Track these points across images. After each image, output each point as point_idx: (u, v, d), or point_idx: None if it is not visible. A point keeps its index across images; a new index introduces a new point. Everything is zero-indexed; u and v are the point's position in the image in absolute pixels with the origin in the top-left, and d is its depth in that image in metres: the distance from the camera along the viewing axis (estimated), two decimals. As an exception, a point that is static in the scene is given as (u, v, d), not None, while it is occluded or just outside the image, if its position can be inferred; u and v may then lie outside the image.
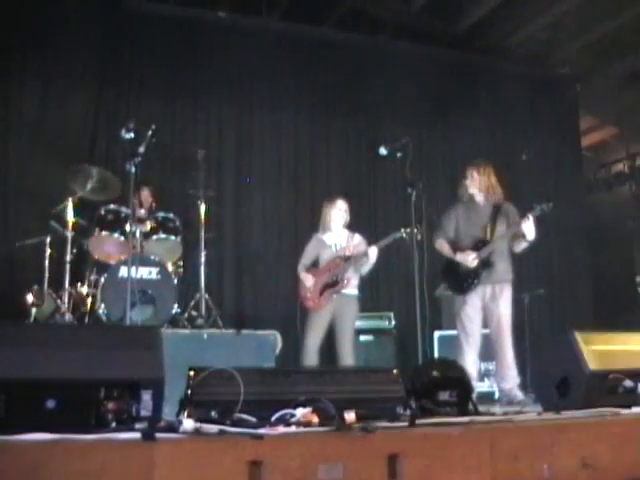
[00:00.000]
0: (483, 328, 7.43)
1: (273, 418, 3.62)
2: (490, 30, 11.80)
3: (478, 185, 7.52)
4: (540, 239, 9.08)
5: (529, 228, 7.11)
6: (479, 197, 7.54)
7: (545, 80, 12.55)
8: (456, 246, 7.55)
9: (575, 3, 10.78)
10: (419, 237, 7.35)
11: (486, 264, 7.31)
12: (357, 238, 7.96)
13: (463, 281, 7.43)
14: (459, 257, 7.45)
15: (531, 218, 7.07)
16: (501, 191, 7.54)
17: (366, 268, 7.79)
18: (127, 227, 7.81)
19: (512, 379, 7.14)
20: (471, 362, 7.23)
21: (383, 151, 7.68)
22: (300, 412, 3.64)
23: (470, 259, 7.35)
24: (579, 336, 4.92)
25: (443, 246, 7.61)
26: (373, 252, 7.65)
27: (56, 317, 7.64)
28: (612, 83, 12.98)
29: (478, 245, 7.37)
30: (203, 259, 8.51)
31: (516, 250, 7.39)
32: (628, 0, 10.74)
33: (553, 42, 12.04)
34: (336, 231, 7.94)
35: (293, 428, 3.50)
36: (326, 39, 11.32)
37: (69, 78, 9.61)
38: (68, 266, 7.95)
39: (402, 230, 7.53)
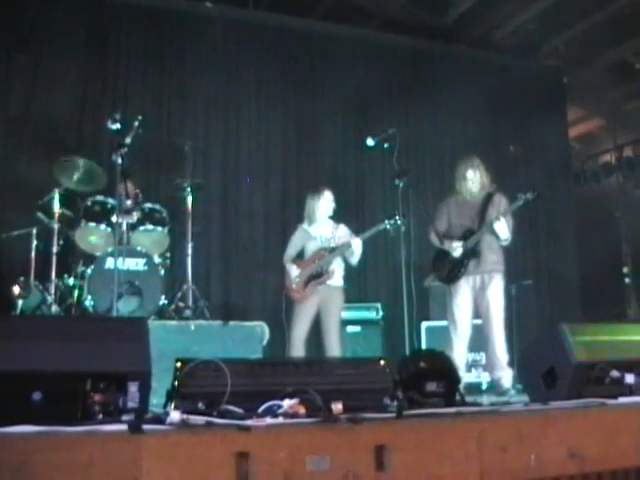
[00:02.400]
0: (474, 319, 7.46)
1: (260, 409, 3.61)
2: (477, 22, 11.82)
3: (472, 181, 7.54)
4: (527, 230, 9.08)
5: (501, 228, 7.19)
6: (472, 190, 7.55)
7: (532, 72, 12.56)
8: (448, 237, 7.58)
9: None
10: (403, 228, 7.38)
11: (473, 253, 7.35)
12: (342, 229, 7.96)
13: (450, 271, 7.50)
14: (446, 245, 7.51)
15: (502, 219, 7.17)
16: (492, 183, 7.59)
17: (355, 259, 7.80)
18: (114, 218, 7.80)
19: (500, 369, 7.17)
20: (459, 353, 7.28)
21: (370, 142, 7.71)
22: (287, 403, 3.63)
23: (454, 246, 7.40)
24: (566, 327, 4.93)
25: (434, 237, 7.67)
26: (357, 244, 7.66)
27: (42, 309, 7.63)
28: (599, 75, 13.01)
29: (466, 235, 7.42)
30: (190, 250, 8.51)
31: (502, 243, 7.43)
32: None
33: (540, 34, 12.06)
34: (321, 222, 7.93)
35: (280, 419, 3.50)
36: (313, 31, 11.31)
37: (55, 69, 9.56)
38: (54, 257, 7.96)
39: (386, 221, 7.56)
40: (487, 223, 7.32)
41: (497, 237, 7.37)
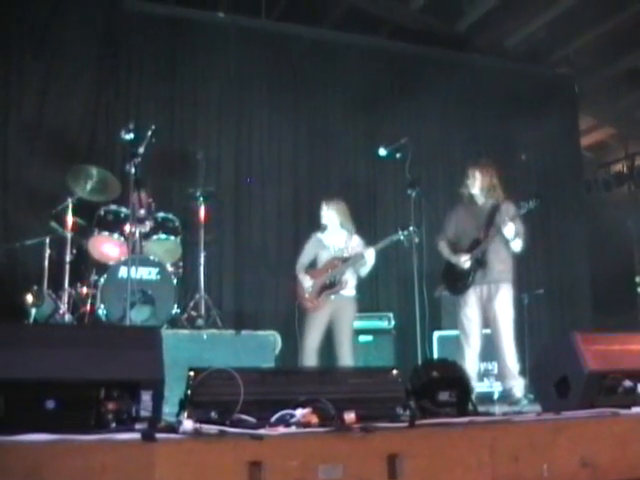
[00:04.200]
0: (485, 328, 7.46)
1: (273, 419, 3.62)
2: (489, 30, 11.82)
3: (480, 185, 7.55)
4: (539, 239, 9.03)
5: (509, 232, 7.18)
6: (480, 197, 7.57)
7: (544, 80, 12.54)
8: (455, 247, 7.59)
9: (573, 3, 10.80)
10: (417, 240, 7.39)
11: (479, 264, 7.35)
12: (356, 239, 7.96)
13: (458, 281, 7.50)
14: (454, 259, 7.52)
15: (509, 223, 7.15)
16: (502, 192, 7.57)
17: (365, 270, 7.81)
18: (127, 228, 7.83)
19: (512, 378, 7.16)
20: (471, 362, 7.28)
21: (382, 152, 7.73)
22: (300, 412, 3.63)
23: (462, 260, 7.42)
24: (578, 336, 4.92)
25: (443, 248, 7.67)
26: (370, 254, 7.68)
27: (56, 317, 7.64)
28: (610, 83, 13.00)
29: (473, 245, 7.42)
30: (202, 259, 8.52)
31: (513, 250, 7.42)
32: (627, 0, 10.78)
33: (551, 42, 12.06)
34: (334, 232, 7.94)
35: (293, 428, 3.50)
36: (324, 39, 11.33)
37: (68, 78, 9.57)
38: (68, 266, 7.97)
39: (400, 232, 7.57)
40: (495, 229, 7.32)
41: (506, 245, 7.36)
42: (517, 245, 7.38)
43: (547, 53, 12.44)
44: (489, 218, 7.45)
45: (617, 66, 12.72)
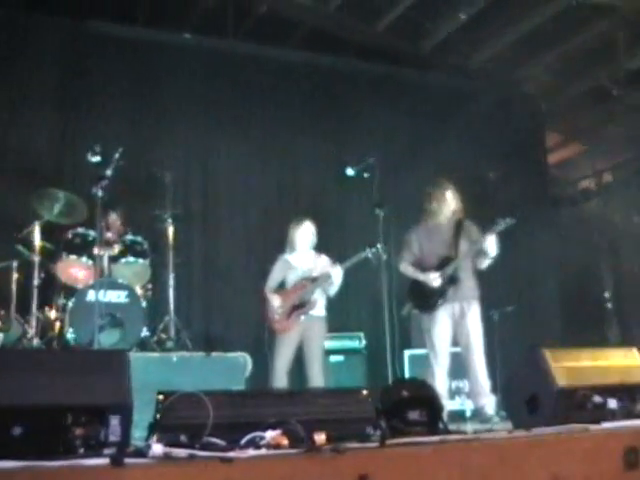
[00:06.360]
0: (453, 346, 7.45)
1: (243, 441, 3.60)
2: (454, 49, 11.90)
3: (445, 206, 7.55)
4: (508, 256, 9.10)
5: (491, 245, 7.19)
6: (442, 217, 7.56)
7: (510, 98, 12.61)
8: (421, 265, 7.56)
9: (538, 22, 10.89)
10: (384, 257, 7.39)
11: (452, 281, 7.35)
12: (324, 259, 7.95)
13: (429, 299, 7.46)
14: (422, 277, 7.47)
15: (493, 235, 7.15)
16: (461, 208, 7.61)
17: (333, 289, 7.78)
18: (95, 251, 7.77)
19: (484, 396, 7.16)
20: (440, 380, 7.26)
21: (350, 172, 7.76)
22: (270, 434, 3.62)
23: (431, 278, 7.38)
24: (547, 353, 4.94)
25: (407, 268, 7.63)
26: (337, 273, 7.64)
27: (24, 342, 7.58)
28: (576, 100, 13.10)
29: (443, 263, 7.40)
30: (172, 282, 8.48)
31: (480, 267, 7.44)
32: (591, 18, 10.87)
33: (517, 60, 12.14)
34: (302, 252, 7.93)
35: (263, 451, 3.48)
36: (290, 60, 11.37)
37: (33, 101, 9.56)
38: (36, 290, 7.91)
39: (367, 250, 7.56)
40: (473, 244, 7.32)
41: (472, 261, 7.38)
42: (487, 262, 7.40)
43: (512, 72, 12.52)
44: (455, 235, 7.46)
45: (582, 83, 12.82)
